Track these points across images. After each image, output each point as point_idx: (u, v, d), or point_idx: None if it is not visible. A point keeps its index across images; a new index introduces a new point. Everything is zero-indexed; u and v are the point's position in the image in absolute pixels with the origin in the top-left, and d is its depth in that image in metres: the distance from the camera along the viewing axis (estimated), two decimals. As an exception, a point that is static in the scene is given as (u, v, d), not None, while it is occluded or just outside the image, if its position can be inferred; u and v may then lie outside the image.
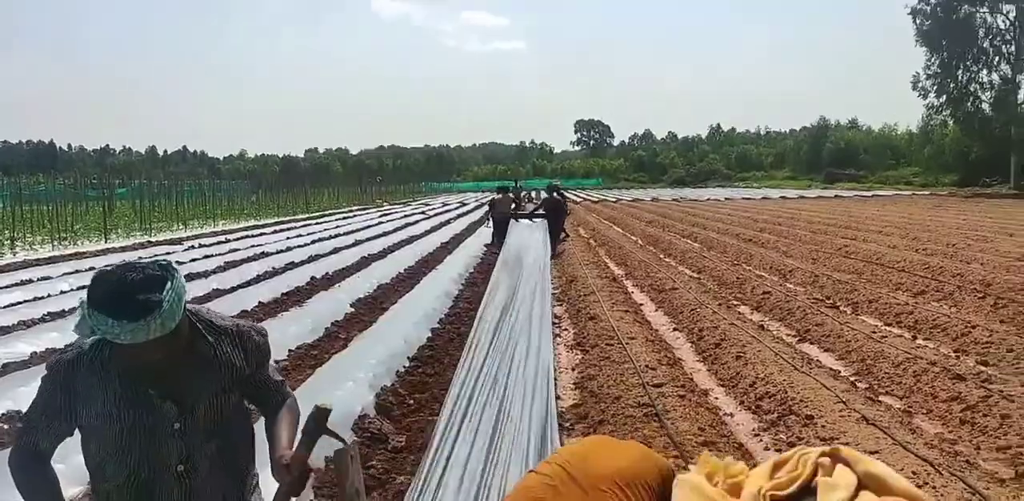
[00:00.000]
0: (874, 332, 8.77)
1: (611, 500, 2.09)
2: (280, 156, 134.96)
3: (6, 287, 12.17)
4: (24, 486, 2.08)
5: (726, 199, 48.96)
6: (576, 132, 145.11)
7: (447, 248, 19.99)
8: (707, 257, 16.84)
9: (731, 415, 6.48)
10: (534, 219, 20.54)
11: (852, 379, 7.27)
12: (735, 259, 16.53)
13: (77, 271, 14.19)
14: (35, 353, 7.73)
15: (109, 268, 1.93)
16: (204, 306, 2.26)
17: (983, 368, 7.17)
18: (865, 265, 14.15)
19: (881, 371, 7.32)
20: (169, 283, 1.87)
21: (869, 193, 54.32)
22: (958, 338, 8.33)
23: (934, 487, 4.42)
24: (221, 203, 37.90)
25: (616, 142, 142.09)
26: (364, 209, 42.85)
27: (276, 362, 6.94)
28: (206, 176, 51.37)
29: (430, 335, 9.24)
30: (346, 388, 6.30)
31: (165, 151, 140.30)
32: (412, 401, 6.73)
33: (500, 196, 20.67)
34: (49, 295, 11.27)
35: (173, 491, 2.08)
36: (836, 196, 50.67)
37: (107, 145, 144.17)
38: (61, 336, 8.37)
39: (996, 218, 25.97)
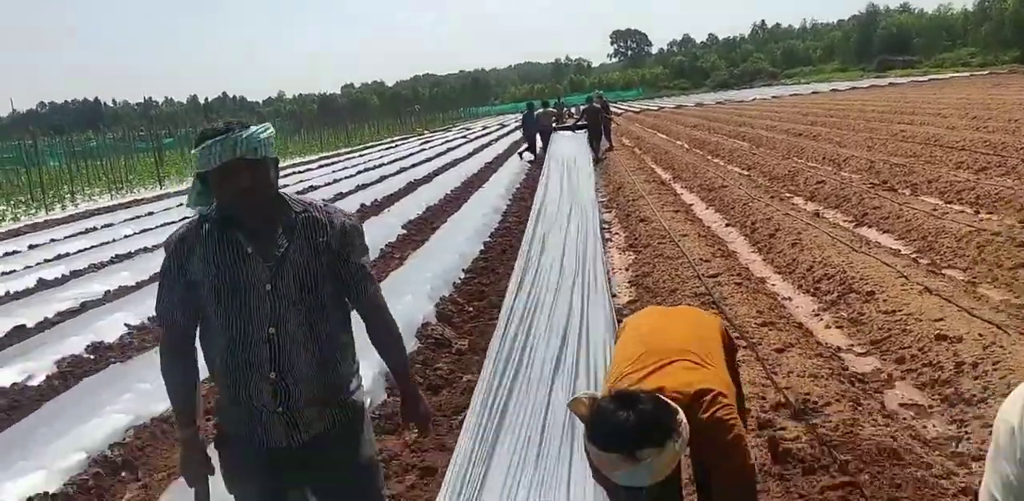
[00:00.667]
0: (934, 210, 8.56)
1: (690, 359, 2.20)
2: (317, 94, 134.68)
3: (73, 236, 12.58)
4: (165, 376, 2.27)
5: (773, 97, 47.47)
6: (613, 44, 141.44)
7: (491, 167, 19.93)
8: (756, 154, 16.49)
9: (789, 299, 6.46)
10: (576, 131, 20.62)
11: (913, 256, 7.16)
12: (786, 154, 16.15)
13: (137, 217, 14.58)
14: (108, 291, 8.04)
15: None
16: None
17: (1050, 235, 6.98)
18: (923, 148, 13.71)
19: (943, 246, 7.19)
20: (251, 126, 2.07)
21: (925, 78, 52.09)
22: (1023, 209, 8.08)
23: (1002, 347, 4.38)
24: (266, 144, 38.16)
25: (655, 50, 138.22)
26: (405, 139, 42.75)
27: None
28: (248, 119, 51.59)
29: (482, 248, 9.33)
30: (405, 301, 6.43)
31: (206, 99, 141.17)
32: (471, 309, 6.86)
33: (541, 111, 21.42)
34: (114, 240, 11.62)
35: (263, 354, 2.12)
36: (890, 84, 48.75)
37: (149, 97, 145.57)
38: (131, 275, 8.70)
39: (1061, 91, 24.78)
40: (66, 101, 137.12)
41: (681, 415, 1.92)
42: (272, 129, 2.13)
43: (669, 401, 1.94)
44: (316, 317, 2.16)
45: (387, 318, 2.32)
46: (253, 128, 2.05)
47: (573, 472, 3.47)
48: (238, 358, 2.15)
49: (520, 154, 21.21)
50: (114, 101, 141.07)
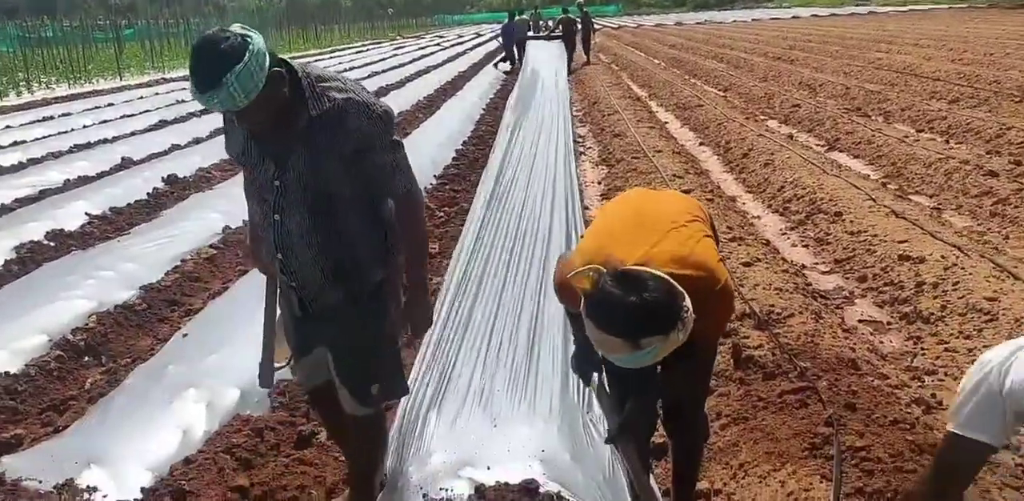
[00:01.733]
0: (906, 137, 8.60)
1: (688, 227, 2.17)
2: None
3: (29, 123, 12.14)
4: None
5: (754, 20, 46.61)
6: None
7: (465, 76, 19.49)
8: (734, 76, 16.31)
9: (758, 217, 6.52)
10: (550, 40, 21.10)
11: (882, 181, 7.22)
12: (763, 76, 16.00)
13: (97, 107, 14.07)
14: (68, 180, 7.81)
15: (200, 38, 2.03)
16: (330, 73, 2.22)
17: (1016, 166, 7.06)
18: (898, 76, 13.66)
19: (911, 172, 7.25)
20: (242, 55, 1.94)
21: (904, 8, 51.42)
22: (992, 140, 8.14)
23: (963, 268, 4.48)
24: (230, 41, 36.76)
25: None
26: (377, 44, 41.47)
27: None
28: (213, 14, 49.43)
29: (454, 155, 9.21)
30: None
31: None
32: (441, 214, 6.82)
33: (519, 19, 21.79)
34: (72, 129, 11.23)
35: (271, 236, 2.27)
36: (870, 12, 48.03)
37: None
38: (90, 164, 8.46)
39: (1039, 27, 24.64)
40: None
41: (687, 302, 1.81)
42: (261, 44, 2.00)
43: (676, 285, 1.83)
44: (322, 214, 2.21)
45: (412, 217, 2.31)
46: (242, 64, 1.93)
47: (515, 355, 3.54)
48: (259, 228, 2.36)
49: (495, 64, 20.83)
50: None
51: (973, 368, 1.63)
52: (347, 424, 2.52)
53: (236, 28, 2.02)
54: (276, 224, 2.23)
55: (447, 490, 2.57)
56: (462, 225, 6.35)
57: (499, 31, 20.55)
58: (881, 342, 4.07)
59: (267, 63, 1.99)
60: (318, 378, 2.49)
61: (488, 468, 2.68)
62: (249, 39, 1.98)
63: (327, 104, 2.11)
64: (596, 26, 22.18)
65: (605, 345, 1.81)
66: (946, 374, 3.63)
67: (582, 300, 1.85)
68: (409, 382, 3.44)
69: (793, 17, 47.69)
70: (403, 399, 3.38)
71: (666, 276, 1.85)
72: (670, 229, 2.10)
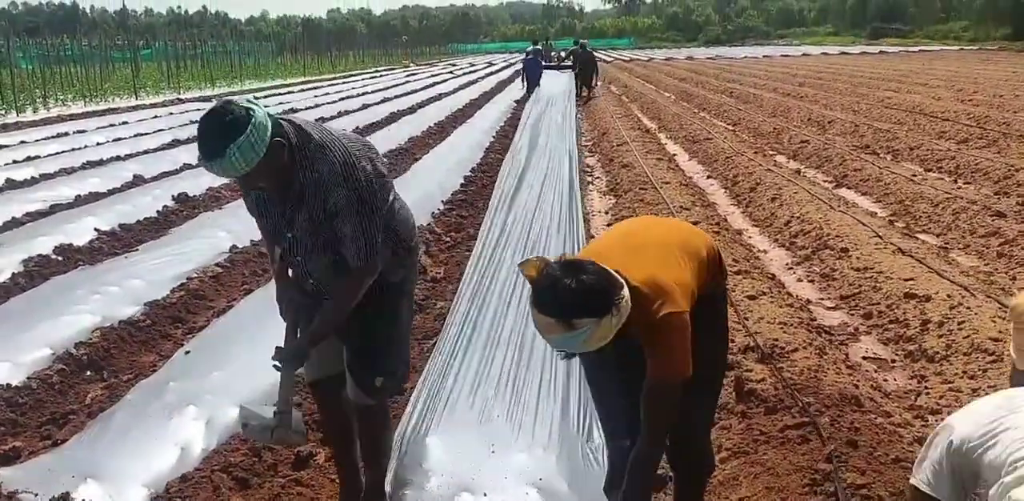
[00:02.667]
0: (914, 176, 8.63)
1: (678, 263, 2.15)
2: (302, 17, 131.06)
3: (44, 139, 12.28)
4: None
5: (764, 57, 47.08)
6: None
7: (476, 104, 19.68)
8: (743, 110, 16.43)
9: (764, 251, 6.53)
10: (562, 70, 21.60)
11: (889, 218, 7.23)
12: (772, 112, 16.11)
13: (111, 125, 14.25)
14: (79, 196, 7.89)
15: (207, 111, 2.24)
16: (328, 136, 2.38)
17: (1024, 208, 7.07)
18: (908, 115, 13.75)
19: (919, 211, 7.26)
20: (245, 128, 2.13)
21: (915, 48, 51.89)
22: (1000, 181, 8.16)
23: (968, 308, 4.46)
24: (246, 64, 37.22)
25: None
26: (390, 70, 41.98)
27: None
28: (229, 37, 50.06)
29: (463, 182, 9.26)
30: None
31: (185, 11, 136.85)
32: (448, 239, 6.84)
33: (531, 48, 23.86)
34: (86, 146, 11.37)
35: (297, 272, 2.55)
36: (880, 52, 48.48)
37: (124, 6, 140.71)
38: (102, 181, 8.54)
39: (1049, 71, 24.81)
40: (41, 3, 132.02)
41: (625, 292, 1.90)
42: (262, 117, 2.18)
43: (616, 276, 1.92)
44: (336, 252, 2.42)
45: (350, 285, 2.44)
46: (244, 136, 2.12)
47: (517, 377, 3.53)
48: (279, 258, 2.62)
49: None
50: (92, 7, 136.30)
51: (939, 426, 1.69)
52: (347, 417, 2.68)
53: (241, 101, 2.20)
54: (299, 263, 2.51)
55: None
56: (468, 251, 6.37)
57: (521, 63, 21.08)
58: (885, 380, 4.04)
59: (268, 134, 2.17)
60: (330, 369, 2.63)
61: (485, 494, 2.67)
62: (252, 112, 2.15)
63: (315, 175, 2.30)
64: (599, 63, 22.35)
65: (541, 326, 1.89)
66: (950, 414, 3.60)
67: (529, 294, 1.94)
68: (408, 407, 3.45)
69: (803, 55, 48.18)
70: (402, 422, 3.38)
71: (608, 268, 1.93)
72: (651, 257, 2.13)
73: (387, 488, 2.82)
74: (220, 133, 2.13)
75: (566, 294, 1.85)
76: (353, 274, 2.41)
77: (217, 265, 5.86)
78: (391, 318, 2.56)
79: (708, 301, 2.27)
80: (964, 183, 8.43)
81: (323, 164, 2.29)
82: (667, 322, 2.01)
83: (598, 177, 10.07)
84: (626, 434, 2.26)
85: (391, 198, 2.52)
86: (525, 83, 21.48)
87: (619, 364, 2.22)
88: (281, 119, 2.33)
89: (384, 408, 2.76)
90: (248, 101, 2.21)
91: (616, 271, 1.99)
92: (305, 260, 2.46)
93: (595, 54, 22.58)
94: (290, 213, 2.39)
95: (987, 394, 3.60)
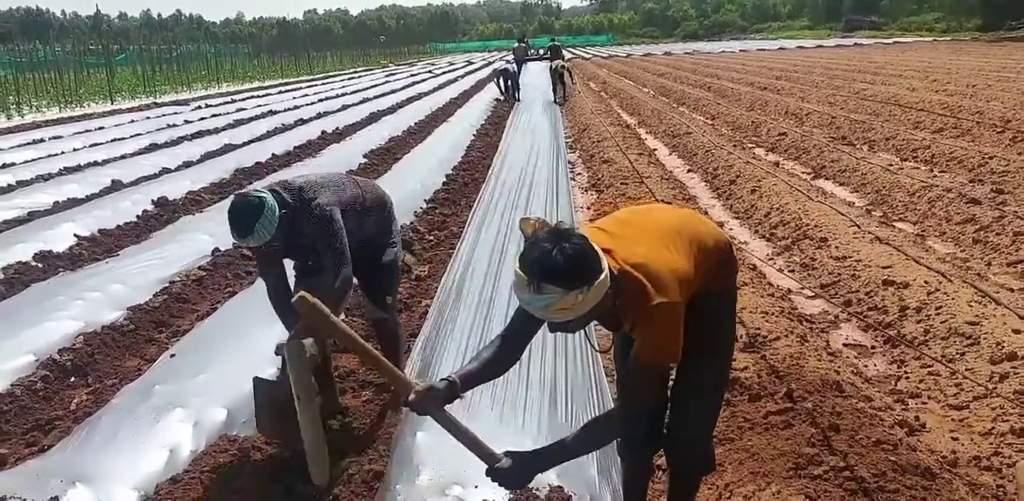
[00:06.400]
0: (890, 166, 8.72)
1: (676, 249, 2.14)
2: (277, 19, 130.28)
3: (20, 146, 12.17)
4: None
5: (741, 51, 47.33)
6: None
7: (457, 103, 19.68)
8: (721, 104, 16.52)
9: (746, 243, 6.58)
10: (542, 60, 25.63)
11: (866, 208, 7.31)
12: (750, 106, 16.22)
13: (87, 131, 14.12)
14: (57, 202, 7.83)
15: (232, 203, 3.03)
16: (311, 192, 3.21)
17: (998, 195, 7.16)
18: (883, 106, 13.87)
19: (896, 200, 7.35)
20: (262, 211, 2.97)
21: (890, 40, 52.34)
22: (974, 169, 8.26)
23: (946, 294, 4.53)
24: (222, 67, 37.01)
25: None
26: (369, 70, 41.87)
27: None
28: (204, 40, 49.73)
29: (445, 180, 9.26)
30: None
31: (159, 15, 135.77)
32: (431, 237, 6.85)
33: (517, 45, 26.10)
34: (63, 152, 11.27)
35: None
36: (855, 44, 48.87)
37: (98, 10, 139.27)
38: (80, 187, 8.48)
39: (1019, 59, 25.06)
40: (10, 8, 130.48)
41: (603, 276, 1.91)
42: (271, 200, 3.02)
43: (601, 259, 1.94)
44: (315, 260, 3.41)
45: (339, 287, 3.20)
46: (263, 216, 2.97)
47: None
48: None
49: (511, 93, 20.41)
50: (63, 12, 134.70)
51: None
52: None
53: (253, 192, 3.06)
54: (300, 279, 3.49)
55: (434, 508, 2.57)
56: (451, 249, 6.39)
57: (499, 69, 20.53)
58: (865, 365, 4.10)
59: (277, 211, 3.03)
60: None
61: (476, 487, 2.69)
62: (264, 198, 3.01)
63: (307, 227, 3.19)
64: (566, 60, 22.79)
65: (516, 279, 1.92)
66: (929, 397, 3.66)
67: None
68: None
69: (780, 48, 48.43)
70: (393, 418, 3.40)
71: (596, 247, 1.95)
72: (648, 241, 2.11)
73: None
74: (247, 217, 2.97)
75: (543, 258, 1.88)
76: (336, 274, 3.19)
77: (199, 268, 5.85)
78: (387, 258, 3.57)
79: (713, 298, 2.24)
80: (939, 172, 8.53)
81: (309, 215, 3.16)
82: (657, 311, 2.00)
83: (579, 173, 10.10)
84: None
85: (355, 196, 3.41)
86: (505, 91, 19.88)
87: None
88: (273, 189, 3.15)
89: (395, 320, 3.77)
90: (257, 191, 3.07)
91: (608, 250, 2.00)
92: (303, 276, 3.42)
93: (566, 49, 24.26)
94: (303, 254, 3.35)
95: (965, 378, 3.67)
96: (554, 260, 1.87)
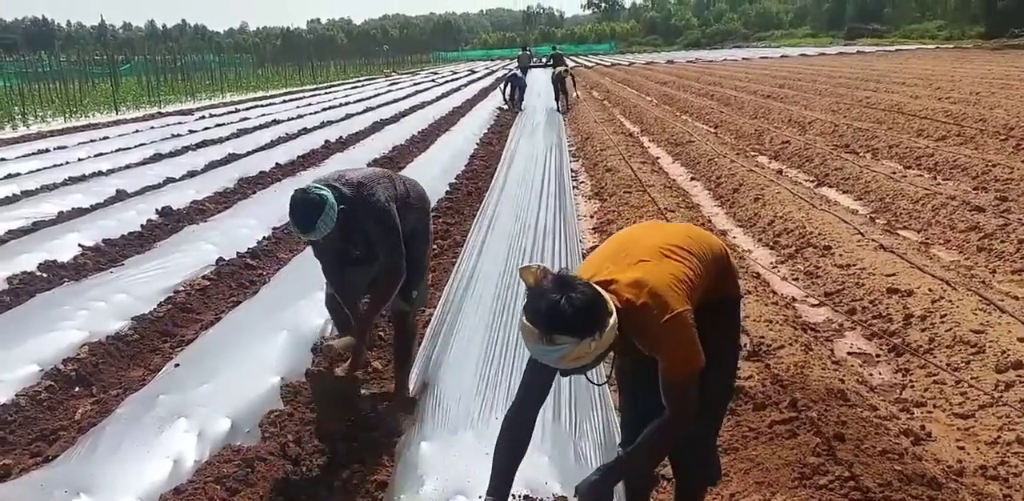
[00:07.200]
0: (893, 173, 8.73)
1: (677, 258, 2.17)
2: (281, 29, 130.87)
3: (25, 156, 12.21)
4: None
5: (743, 59, 47.38)
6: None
7: (460, 112, 19.72)
8: (724, 113, 16.55)
9: (749, 251, 6.58)
10: (545, 67, 26.05)
11: (870, 216, 7.31)
12: (753, 114, 16.23)
13: (92, 140, 14.16)
14: (62, 212, 7.85)
15: (293, 198, 3.23)
16: (367, 188, 3.41)
17: (1002, 202, 7.15)
18: (886, 114, 13.87)
19: (899, 208, 7.35)
20: (324, 208, 3.18)
21: (892, 48, 52.36)
22: (978, 177, 8.26)
23: (950, 302, 4.53)
24: (227, 76, 37.13)
25: (628, 4, 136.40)
26: (372, 80, 41.98)
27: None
28: (208, 50, 49.94)
29: (448, 189, 9.28)
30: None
31: (164, 26, 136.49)
32: (435, 246, 6.85)
33: (521, 53, 27.56)
34: (67, 162, 11.30)
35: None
36: (858, 52, 48.91)
37: (103, 21, 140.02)
38: (84, 197, 8.50)
39: (1022, 67, 25.09)
40: (16, 19, 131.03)
41: (612, 320, 1.95)
42: (330, 196, 3.22)
43: (608, 302, 1.96)
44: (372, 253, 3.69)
45: (386, 283, 3.54)
46: (324, 212, 3.18)
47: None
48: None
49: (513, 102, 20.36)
50: (68, 23, 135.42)
51: None
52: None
53: (313, 188, 3.26)
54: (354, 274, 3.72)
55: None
56: (455, 257, 6.40)
57: (508, 75, 20.85)
58: (870, 374, 4.09)
59: (336, 206, 3.22)
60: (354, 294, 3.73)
61: (480, 497, 2.67)
62: (324, 194, 3.21)
63: (365, 221, 3.40)
64: (568, 65, 22.89)
65: (525, 333, 1.94)
66: (934, 406, 3.65)
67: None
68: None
69: (782, 56, 48.50)
70: (398, 427, 3.40)
71: (601, 290, 1.98)
72: (645, 259, 2.14)
73: (410, 386, 3.86)
74: (309, 213, 3.18)
75: (552, 310, 1.90)
76: (389, 270, 3.49)
77: (204, 278, 5.86)
78: (418, 252, 3.74)
79: (715, 306, 2.27)
80: (943, 179, 8.53)
81: (366, 210, 3.37)
82: (669, 326, 2.03)
83: (583, 181, 10.12)
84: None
85: (402, 193, 3.66)
86: (509, 99, 19.71)
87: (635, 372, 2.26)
88: (331, 185, 3.34)
89: (413, 318, 4.01)
90: (316, 186, 3.28)
91: (610, 282, 2.03)
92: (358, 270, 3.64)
93: (569, 57, 24.27)
94: (350, 247, 3.54)
95: (971, 386, 3.66)
96: (563, 311, 1.89)
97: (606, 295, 1.99)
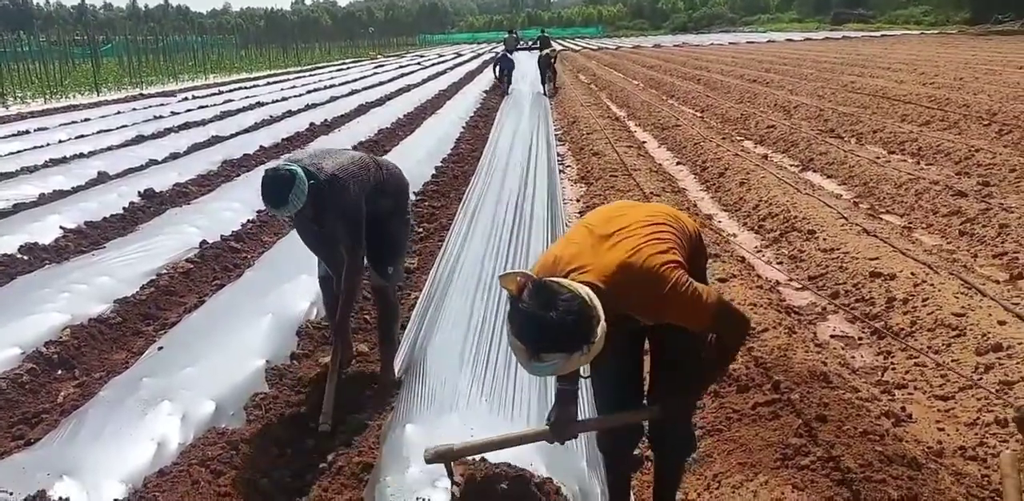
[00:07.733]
0: (877, 158, 8.76)
1: (662, 227, 2.18)
2: (265, 10, 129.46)
3: (4, 137, 12.05)
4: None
5: (730, 44, 47.33)
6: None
7: (446, 95, 19.62)
8: (711, 97, 16.54)
9: (734, 235, 6.61)
10: (531, 50, 26.59)
11: (854, 200, 7.35)
12: (739, 98, 16.24)
13: (73, 122, 14.00)
14: (43, 194, 7.76)
15: (264, 176, 3.28)
16: (343, 167, 3.50)
17: (984, 187, 7.20)
18: (871, 99, 13.92)
19: (883, 192, 7.39)
20: (295, 182, 3.23)
21: (878, 33, 52.44)
22: (961, 162, 8.31)
23: (932, 285, 4.57)
24: (210, 58, 36.75)
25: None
26: (357, 62, 41.66)
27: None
28: (191, 31, 49.35)
29: (434, 173, 9.24)
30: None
31: (146, 6, 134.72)
32: (421, 229, 6.84)
33: (508, 36, 28.84)
34: (48, 144, 11.17)
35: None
36: (844, 37, 48.92)
37: (83, 1, 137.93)
38: (66, 179, 8.41)
39: (1006, 53, 25.18)
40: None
41: (600, 328, 1.88)
42: (300, 172, 3.27)
43: (594, 309, 1.88)
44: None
45: (347, 271, 3.64)
46: (295, 187, 3.23)
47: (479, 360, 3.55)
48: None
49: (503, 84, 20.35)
50: (47, 2, 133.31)
51: None
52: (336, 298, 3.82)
53: (283, 165, 3.33)
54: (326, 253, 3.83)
55: (424, 500, 2.57)
56: (441, 240, 6.39)
57: (498, 57, 20.79)
58: (852, 357, 4.13)
59: (306, 182, 3.27)
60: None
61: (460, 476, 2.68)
62: (293, 170, 3.27)
63: (336, 211, 3.49)
64: (555, 49, 22.74)
65: (514, 349, 1.91)
66: (915, 388, 3.69)
67: (507, 308, 1.94)
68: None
69: (768, 41, 48.50)
70: (383, 409, 3.40)
71: (586, 296, 1.90)
72: (624, 237, 2.12)
73: (395, 368, 3.91)
74: (279, 189, 3.23)
75: (539, 331, 1.83)
76: (348, 258, 3.60)
77: (187, 261, 5.81)
78: (396, 231, 3.89)
79: None
80: (926, 164, 8.58)
81: (336, 192, 3.42)
82: (672, 291, 2.02)
83: (569, 165, 10.10)
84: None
85: (379, 179, 3.70)
86: (499, 78, 19.93)
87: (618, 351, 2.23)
88: (305, 167, 3.35)
89: (394, 294, 4.12)
90: (287, 163, 3.36)
91: (595, 269, 2.04)
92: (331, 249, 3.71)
93: (555, 41, 24.54)
94: (319, 225, 3.60)
95: (951, 369, 3.70)
96: (548, 330, 1.83)
97: (591, 296, 1.91)
